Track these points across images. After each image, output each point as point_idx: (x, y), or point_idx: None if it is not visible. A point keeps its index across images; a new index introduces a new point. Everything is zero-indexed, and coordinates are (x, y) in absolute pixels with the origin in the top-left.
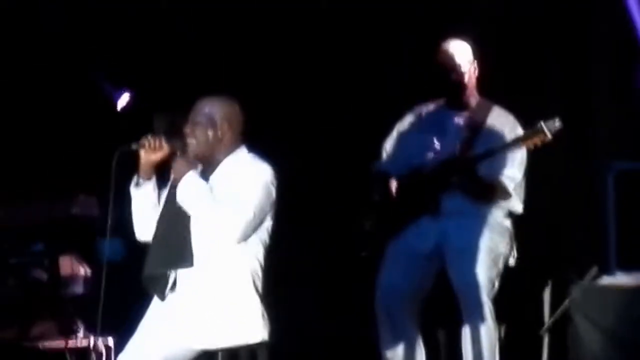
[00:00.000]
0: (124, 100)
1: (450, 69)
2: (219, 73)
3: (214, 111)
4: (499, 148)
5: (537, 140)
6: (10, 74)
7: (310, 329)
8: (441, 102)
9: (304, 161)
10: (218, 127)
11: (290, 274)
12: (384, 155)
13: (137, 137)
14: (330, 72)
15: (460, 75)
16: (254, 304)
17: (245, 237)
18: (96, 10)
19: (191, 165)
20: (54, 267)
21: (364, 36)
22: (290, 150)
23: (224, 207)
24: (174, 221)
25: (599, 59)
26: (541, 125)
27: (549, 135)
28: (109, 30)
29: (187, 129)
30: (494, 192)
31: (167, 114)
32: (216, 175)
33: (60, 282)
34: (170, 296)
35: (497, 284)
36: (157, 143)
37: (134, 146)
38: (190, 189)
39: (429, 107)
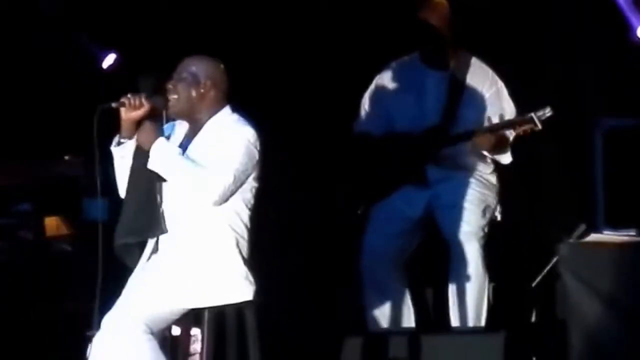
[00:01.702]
0: (109, 60)
1: (430, 26)
2: (205, 35)
3: (198, 69)
4: (485, 128)
5: (527, 128)
6: None
7: (298, 289)
8: (416, 56)
9: (286, 121)
10: (201, 84)
11: (276, 236)
12: (363, 113)
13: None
14: (310, 31)
15: (440, 33)
16: (237, 264)
17: (224, 200)
18: None
19: (157, 132)
20: (40, 227)
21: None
22: (272, 111)
23: (201, 169)
24: (143, 187)
25: (591, 17)
26: (531, 117)
27: (539, 125)
28: None
29: (170, 85)
30: (500, 144)
31: (152, 75)
32: (200, 137)
33: (46, 242)
34: (154, 257)
35: (486, 231)
36: (138, 101)
37: (114, 104)
38: (162, 155)
39: (406, 63)
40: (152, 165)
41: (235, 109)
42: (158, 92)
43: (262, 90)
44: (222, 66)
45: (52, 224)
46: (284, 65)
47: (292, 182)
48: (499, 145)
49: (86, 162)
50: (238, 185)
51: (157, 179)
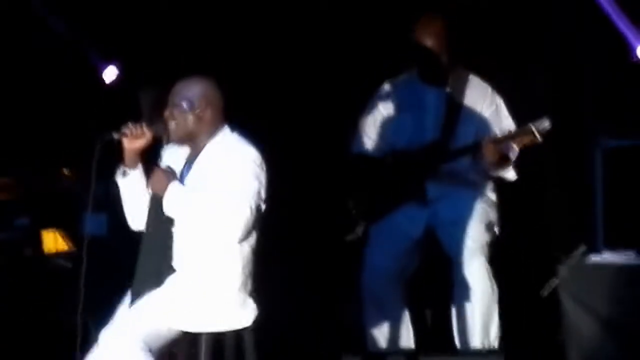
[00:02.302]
0: (111, 73)
1: (427, 44)
2: (205, 51)
3: (191, 92)
4: (486, 140)
5: (526, 140)
6: None
7: (298, 312)
8: (414, 73)
9: (286, 142)
10: (196, 106)
11: (277, 257)
12: (361, 132)
13: (123, 112)
14: (309, 47)
15: (436, 51)
16: (239, 290)
17: (248, 234)
18: None
19: (169, 176)
20: (38, 242)
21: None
22: (272, 130)
23: (219, 207)
24: (160, 234)
25: (588, 34)
26: (530, 127)
27: (539, 138)
28: (97, 4)
29: (167, 113)
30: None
31: (153, 89)
32: (201, 161)
33: (44, 257)
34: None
35: (490, 247)
36: (139, 130)
37: (115, 135)
38: (176, 201)
39: (403, 80)
40: (168, 211)
41: (234, 128)
42: (160, 107)
43: (262, 106)
44: (214, 84)
45: (50, 238)
46: (285, 84)
47: (293, 199)
48: (501, 161)
49: (85, 179)
50: (256, 214)
51: (172, 224)
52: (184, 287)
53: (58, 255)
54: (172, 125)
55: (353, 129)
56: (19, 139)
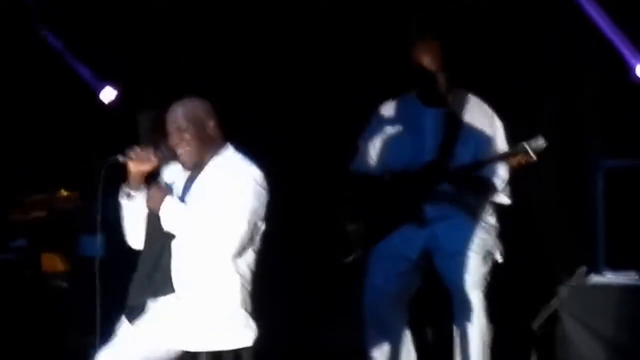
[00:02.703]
0: (109, 94)
1: (425, 66)
2: (203, 68)
3: (194, 112)
4: (480, 162)
5: (521, 160)
6: None
7: (297, 333)
8: (413, 94)
9: (285, 160)
10: (205, 126)
11: (275, 278)
12: (360, 153)
13: (121, 133)
14: (312, 70)
15: (434, 73)
16: (239, 309)
17: (242, 249)
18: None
19: (165, 191)
20: (36, 263)
21: (348, 33)
22: (273, 149)
23: (215, 222)
24: (157, 249)
25: (590, 57)
26: (523, 146)
27: (534, 157)
28: (98, 26)
29: (174, 141)
30: (486, 190)
31: (151, 111)
32: (203, 179)
33: (43, 277)
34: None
35: (488, 279)
36: (146, 155)
37: (121, 159)
38: (173, 215)
39: (403, 101)
40: (165, 226)
41: (237, 147)
42: (157, 129)
43: (263, 123)
44: (209, 104)
45: (49, 259)
46: (286, 102)
47: (293, 220)
48: (482, 192)
49: (84, 200)
50: (252, 232)
51: (170, 238)
52: (183, 307)
53: (56, 276)
54: (182, 152)
55: (353, 148)
56: (17, 159)
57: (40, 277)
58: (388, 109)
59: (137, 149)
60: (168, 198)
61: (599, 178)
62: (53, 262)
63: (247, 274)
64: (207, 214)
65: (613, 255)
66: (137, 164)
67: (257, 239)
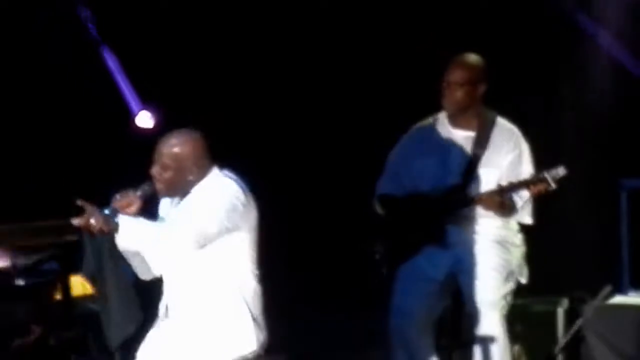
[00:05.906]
0: (145, 118)
1: (461, 85)
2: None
3: (175, 152)
4: (502, 189)
5: (541, 188)
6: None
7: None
8: (442, 115)
9: (312, 180)
10: (182, 166)
11: (303, 295)
12: (387, 174)
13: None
14: (335, 87)
15: (469, 93)
16: (244, 319)
17: (200, 243)
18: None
19: (109, 217)
20: (66, 287)
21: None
22: (300, 167)
23: (172, 224)
24: (125, 278)
25: (613, 77)
26: (544, 175)
27: (553, 185)
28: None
29: (155, 171)
30: (504, 208)
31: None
32: (186, 200)
33: (72, 301)
34: (165, 321)
35: (509, 300)
36: (128, 200)
37: (107, 211)
38: (128, 233)
39: (431, 123)
40: (120, 243)
41: (222, 168)
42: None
43: (288, 146)
44: (198, 137)
45: (78, 283)
46: (314, 125)
47: (320, 242)
48: (503, 208)
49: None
50: (216, 231)
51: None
52: (189, 328)
53: (86, 298)
54: (159, 186)
55: (380, 169)
56: (46, 185)
57: (71, 300)
58: (415, 131)
59: (117, 196)
60: (122, 218)
61: (623, 198)
62: (83, 285)
63: (250, 290)
64: (167, 221)
65: (637, 275)
66: (124, 207)
67: (246, 246)
